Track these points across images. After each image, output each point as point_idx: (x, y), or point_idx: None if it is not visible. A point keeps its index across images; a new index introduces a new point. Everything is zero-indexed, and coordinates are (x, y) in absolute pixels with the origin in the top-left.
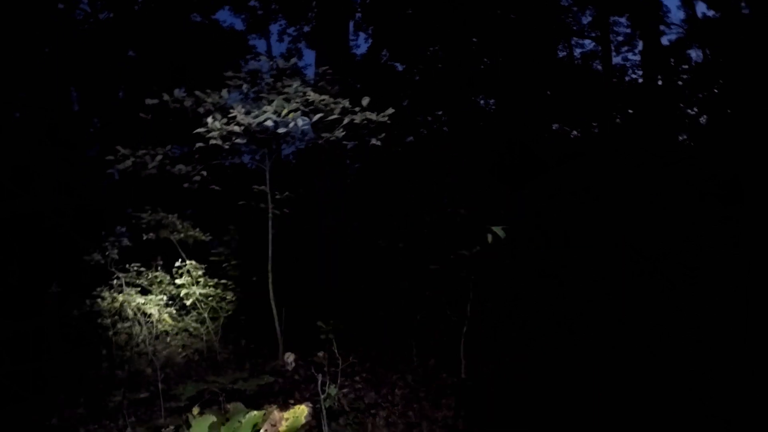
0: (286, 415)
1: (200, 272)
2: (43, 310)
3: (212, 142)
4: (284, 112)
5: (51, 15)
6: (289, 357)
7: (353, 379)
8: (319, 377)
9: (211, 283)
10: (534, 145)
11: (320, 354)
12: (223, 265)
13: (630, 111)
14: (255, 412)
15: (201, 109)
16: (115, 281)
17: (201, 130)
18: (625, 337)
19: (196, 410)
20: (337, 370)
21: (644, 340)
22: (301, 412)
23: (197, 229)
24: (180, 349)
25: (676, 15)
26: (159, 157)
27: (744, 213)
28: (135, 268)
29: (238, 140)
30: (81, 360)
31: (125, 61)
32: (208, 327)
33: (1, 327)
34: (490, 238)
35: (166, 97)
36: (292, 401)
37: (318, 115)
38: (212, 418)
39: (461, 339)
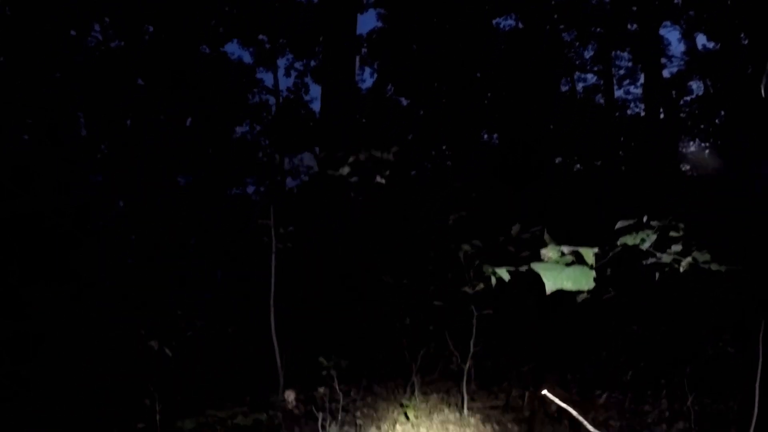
0: None
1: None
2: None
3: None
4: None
5: (63, 41)
6: (290, 395)
7: (354, 414)
8: (320, 416)
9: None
10: (536, 144)
11: (321, 389)
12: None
13: (632, 144)
14: None
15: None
16: None
17: None
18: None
19: None
20: (338, 405)
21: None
22: None
23: (201, 261)
24: (179, 380)
25: (677, 48)
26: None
27: None
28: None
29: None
30: (78, 374)
31: (134, 90)
32: (209, 359)
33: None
34: (494, 280)
35: None
36: None
37: (324, 153)
38: None
39: (464, 375)
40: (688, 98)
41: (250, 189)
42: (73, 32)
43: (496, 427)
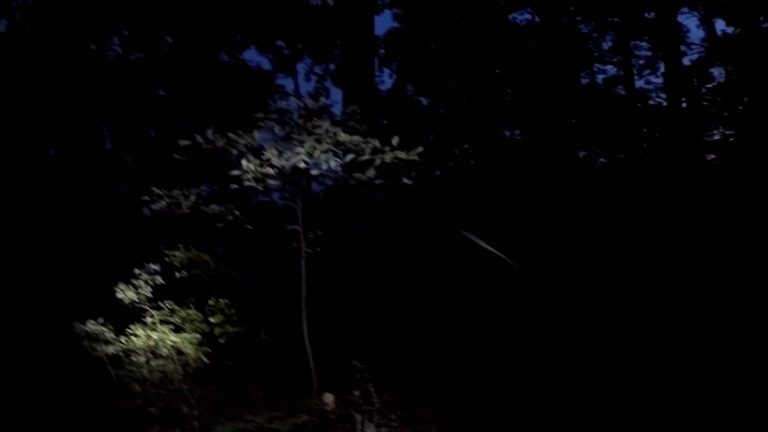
0: None
1: (233, 310)
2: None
3: (246, 183)
4: (316, 153)
5: (84, 55)
6: (328, 397)
7: (388, 417)
8: (358, 418)
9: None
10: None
11: (356, 393)
12: (256, 303)
13: (656, 135)
14: None
15: (234, 151)
16: (148, 319)
17: (236, 172)
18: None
19: None
20: (373, 408)
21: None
22: None
23: (229, 268)
24: (213, 387)
25: (696, 34)
26: (193, 198)
27: None
28: (168, 306)
29: (272, 181)
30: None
31: (156, 100)
32: (241, 365)
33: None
34: None
35: (199, 138)
36: None
37: (350, 156)
38: None
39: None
40: (710, 85)
41: (275, 195)
42: (93, 46)
43: None
